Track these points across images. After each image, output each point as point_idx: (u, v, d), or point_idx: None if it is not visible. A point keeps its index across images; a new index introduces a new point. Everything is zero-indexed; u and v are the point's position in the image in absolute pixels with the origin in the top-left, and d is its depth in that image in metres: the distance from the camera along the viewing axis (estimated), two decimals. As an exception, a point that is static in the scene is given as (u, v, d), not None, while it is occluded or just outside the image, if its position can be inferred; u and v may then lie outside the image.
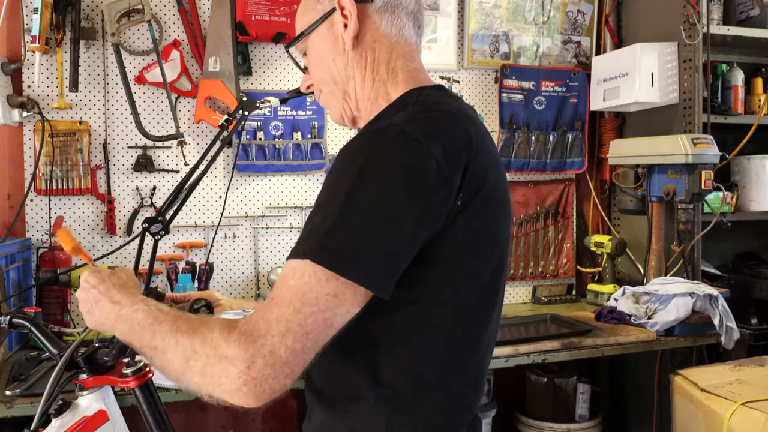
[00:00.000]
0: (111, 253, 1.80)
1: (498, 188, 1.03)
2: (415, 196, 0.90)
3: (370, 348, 1.00)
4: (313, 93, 1.21)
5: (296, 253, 0.90)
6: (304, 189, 2.71)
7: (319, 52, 1.14)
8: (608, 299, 2.62)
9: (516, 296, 3.05)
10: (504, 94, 2.94)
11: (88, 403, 1.30)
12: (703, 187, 2.44)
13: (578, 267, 3.12)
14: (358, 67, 1.11)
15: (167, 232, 1.66)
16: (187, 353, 0.90)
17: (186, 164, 2.52)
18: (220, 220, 2.39)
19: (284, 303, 0.87)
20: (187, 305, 1.36)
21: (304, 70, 1.21)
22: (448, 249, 0.97)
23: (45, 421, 1.26)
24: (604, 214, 3.11)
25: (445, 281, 0.99)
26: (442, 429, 1.06)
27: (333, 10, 1.10)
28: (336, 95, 1.15)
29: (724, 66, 2.92)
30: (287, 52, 1.19)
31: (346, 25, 1.09)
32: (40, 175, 2.36)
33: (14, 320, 1.34)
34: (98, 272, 1.17)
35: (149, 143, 2.48)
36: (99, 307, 1.12)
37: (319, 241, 0.88)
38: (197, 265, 2.42)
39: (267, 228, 2.67)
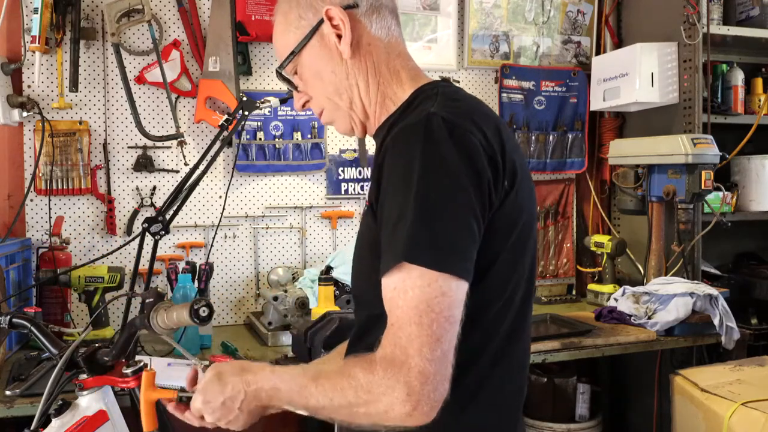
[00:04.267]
0: (111, 253, 1.80)
1: (525, 167, 1.05)
2: (475, 180, 0.92)
3: None
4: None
5: (392, 263, 0.90)
6: (304, 189, 2.71)
7: (314, 67, 1.12)
8: (608, 299, 2.62)
9: (516, 296, 3.04)
10: (504, 94, 2.94)
11: (88, 403, 1.30)
12: (703, 187, 2.44)
13: (578, 267, 3.12)
14: (360, 74, 1.10)
15: (167, 232, 1.67)
16: (345, 405, 0.92)
17: (186, 164, 2.52)
18: (220, 220, 2.39)
19: (406, 323, 0.88)
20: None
21: (296, 89, 1.18)
22: (501, 226, 0.98)
23: (45, 421, 1.26)
24: (604, 214, 3.11)
25: (498, 257, 1.00)
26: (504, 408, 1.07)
27: (321, 22, 1.09)
28: (341, 108, 1.14)
29: (724, 66, 2.92)
30: (278, 75, 1.16)
31: (339, 35, 1.08)
32: (40, 175, 2.36)
33: (14, 320, 1.34)
34: (216, 378, 1.04)
35: (149, 143, 2.48)
36: (249, 402, 1.02)
37: (410, 248, 0.89)
38: (197, 265, 2.42)
39: (267, 228, 2.67)
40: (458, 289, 0.90)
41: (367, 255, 1.04)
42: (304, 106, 1.19)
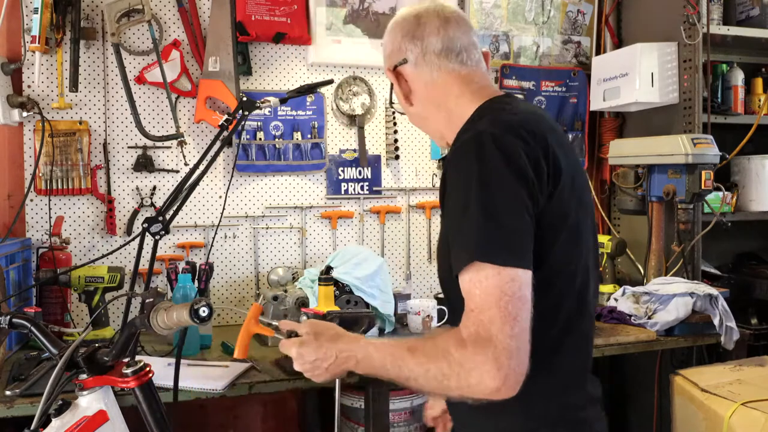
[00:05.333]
0: (111, 253, 1.80)
1: (573, 166, 1.20)
2: (523, 183, 1.09)
3: None
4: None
5: (465, 262, 1.06)
6: (304, 189, 2.71)
7: (402, 108, 1.45)
8: (608, 299, 2.62)
9: (516, 296, 3.04)
10: (504, 94, 2.93)
11: (88, 403, 1.30)
12: (703, 187, 2.44)
13: (578, 267, 3.11)
14: (424, 110, 1.37)
15: (167, 232, 1.66)
16: (439, 377, 1.06)
17: (186, 164, 2.52)
18: (220, 220, 2.38)
19: (486, 307, 1.03)
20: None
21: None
22: (551, 220, 1.13)
23: (45, 421, 1.26)
24: (604, 214, 3.11)
25: (553, 245, 1.14)
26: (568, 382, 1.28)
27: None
28: (424, 129, 1.47)
29: (724, 66, 2.92)
30: (391, 106, 1.54)
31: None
32: (40, 175, 2.36)
33: (14, 320, 1.34)
34: (314, 338, 1.24)
35: (149, 143, 2.48)
36: (336, 365, 1.21)
37: (478, 250, 1.05)
38: (197, 265, 2.42)
39: (267, 228, 2.67)
40: (524, 274, 1.05)
41: (446, 253, 1.18)
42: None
